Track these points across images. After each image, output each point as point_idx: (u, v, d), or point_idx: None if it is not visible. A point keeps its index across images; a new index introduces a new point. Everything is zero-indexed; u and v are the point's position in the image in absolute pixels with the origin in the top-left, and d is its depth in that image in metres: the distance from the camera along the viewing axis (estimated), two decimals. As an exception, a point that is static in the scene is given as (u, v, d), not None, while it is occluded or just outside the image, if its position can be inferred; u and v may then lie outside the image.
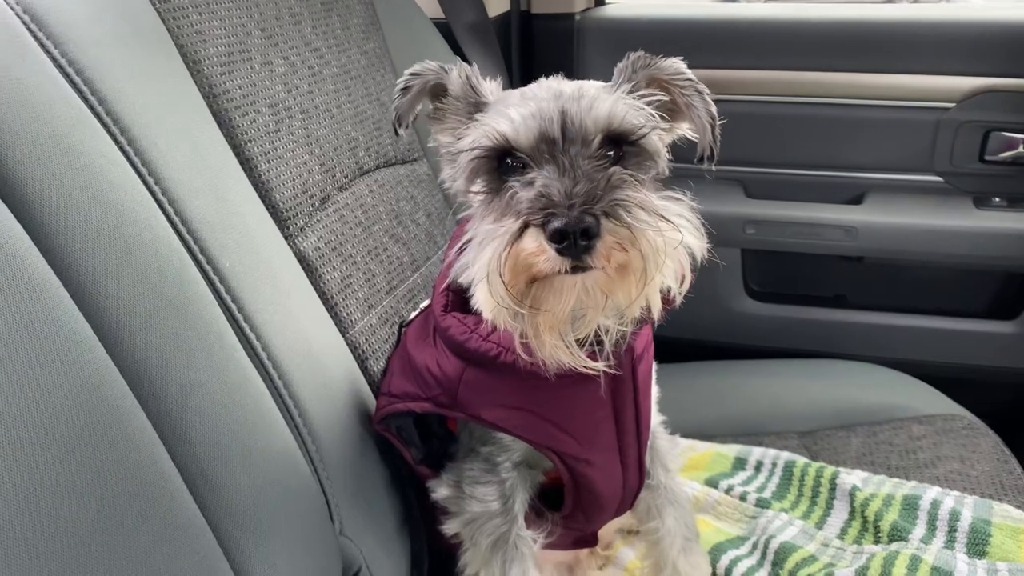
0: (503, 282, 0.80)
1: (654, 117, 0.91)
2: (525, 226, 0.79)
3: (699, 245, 0.85)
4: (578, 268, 0.79)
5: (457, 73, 0.99)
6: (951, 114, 1.96)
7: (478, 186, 0.92)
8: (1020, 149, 1.92)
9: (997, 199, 2.00)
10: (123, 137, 0.94)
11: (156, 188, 0.96)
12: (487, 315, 0.85)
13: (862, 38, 2.01)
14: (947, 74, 1.95)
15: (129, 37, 1.02)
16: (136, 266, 0.86)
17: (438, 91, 1.02)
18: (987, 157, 1.97)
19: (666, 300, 0.88)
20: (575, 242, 0.77)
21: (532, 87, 0.94)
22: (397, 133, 1.04)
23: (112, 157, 0.91)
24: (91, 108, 0.92)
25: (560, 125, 0.86)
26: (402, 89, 1.02)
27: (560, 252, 0.78)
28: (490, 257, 0.80)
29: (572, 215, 0.77)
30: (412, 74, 1.01)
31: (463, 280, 0.90)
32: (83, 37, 0.95)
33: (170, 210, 0.96)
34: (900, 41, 1.98)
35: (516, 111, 0.88)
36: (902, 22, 1.99)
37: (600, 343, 0.91)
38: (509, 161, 0.88)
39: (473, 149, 0.90)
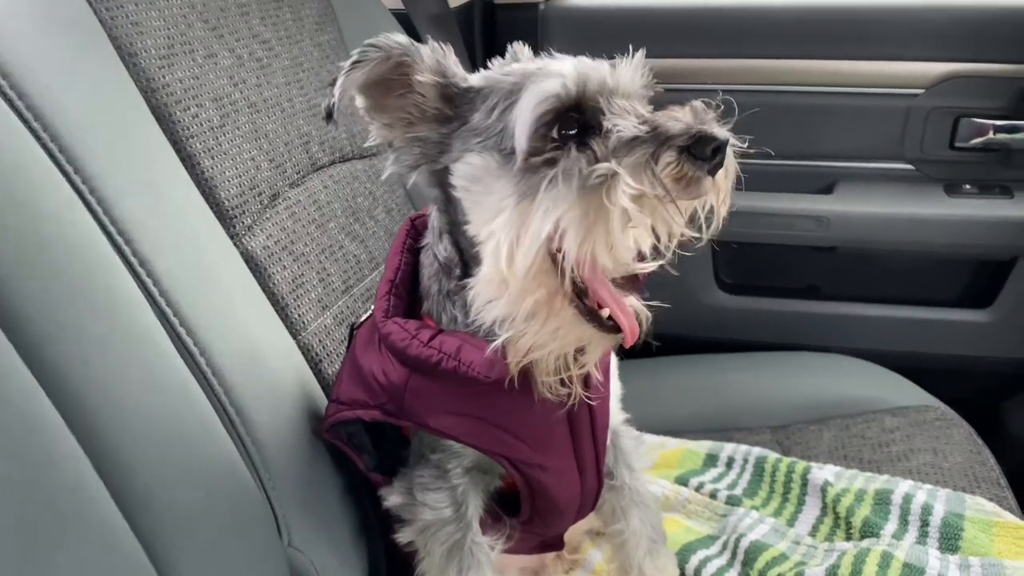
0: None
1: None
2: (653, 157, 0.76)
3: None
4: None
5: (430, 53, 0.86)
6: (920, 100, 1.94)
7: (530, 159, 0.80)
8: (990, 135, 1.90)
9: (968, 186, 1.98)
10: (46, 134, 0.88)
11: (84, 187, 0.90)
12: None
13: (830, 24, 1.98)
14: (915, 60, 1.93)
15: (53, 26, 0.96)
16: (58, 270, 0.81)
17: (393, 74, 0.87)
18: (957, 144, 1.95)
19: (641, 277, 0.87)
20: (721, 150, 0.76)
21: (515, 66, 0.89)
22: (327, 121, 0.86)
23: (33, 155, 0.85)
24: (10, 103, 0.86)
25: (613, 76, 0.83)
26: (355, 62, 0.83)
27: (697, 163, 0.76)
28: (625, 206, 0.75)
29: (713, 128, 0.76)
30: (371, 46, 0.83)
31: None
32: None
33: (99, 210, 0.90)
34: (868, 27, 1.96)
35: (565, 68, 0.82)
36: (869, 8, 1.96)
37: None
38: (556, 131, 0.80)
39: (540, 112, 0.79)
